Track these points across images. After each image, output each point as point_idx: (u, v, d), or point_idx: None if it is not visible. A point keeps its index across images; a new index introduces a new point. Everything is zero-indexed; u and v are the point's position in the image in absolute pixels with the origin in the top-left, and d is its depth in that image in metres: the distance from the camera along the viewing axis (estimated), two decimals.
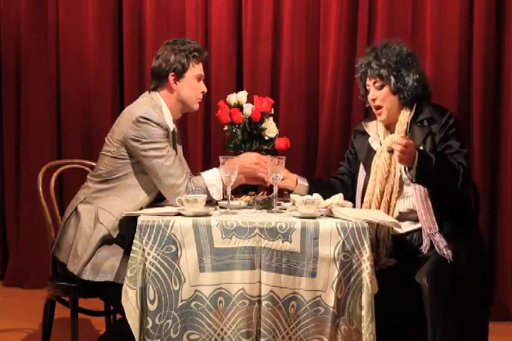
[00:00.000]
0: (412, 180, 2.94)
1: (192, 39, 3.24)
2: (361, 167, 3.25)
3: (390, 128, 3.20)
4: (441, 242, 2.98)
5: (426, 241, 3.02)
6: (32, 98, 4.92)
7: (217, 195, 3.01)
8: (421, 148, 3.04)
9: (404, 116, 3.13)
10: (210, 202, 3.00)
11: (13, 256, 5.01)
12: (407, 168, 2.92)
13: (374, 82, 3.15)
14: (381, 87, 3.14)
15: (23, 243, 4.96)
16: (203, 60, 3.17)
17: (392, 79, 3.11)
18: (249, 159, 3.09)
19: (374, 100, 3.16)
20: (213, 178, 3.01)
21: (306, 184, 3.20)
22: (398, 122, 3.14)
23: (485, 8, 4.31)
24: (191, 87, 3.14)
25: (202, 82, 3.19)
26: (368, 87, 3.20)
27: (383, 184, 3.11)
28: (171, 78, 3.10)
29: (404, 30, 4.39)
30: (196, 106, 3.21)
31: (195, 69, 3.14)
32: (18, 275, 4.94)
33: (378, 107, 3.16)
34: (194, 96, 3.16)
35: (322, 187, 3.22)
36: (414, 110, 3.13)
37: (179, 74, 3.11)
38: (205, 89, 3.21)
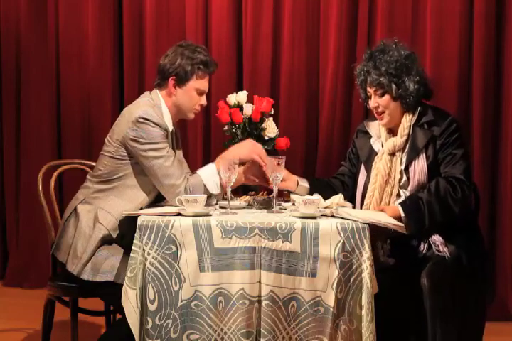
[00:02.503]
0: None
1: (205, 49, 3.14)
2: (362, 167, 3.24)
3: (392, 130, 3.17)
4: (437, 240, 2.97)
5: (424, 241, 3.01)
6: (32, 98, 4.92)
7: (215, 189, 2.98)
8: (423, 152, 3.04)
9: (407, 120, 3.10)
10: (210, 197, 2.99)
11: (13, 256, 5.01)
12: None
13: (375, 90, 3.11)
14: (382, 95, 3.10)
15: (23, 243, 4.96)
16: (209, 74, 3.12)
17: (393, 86, 3.07)
18: (252, 144, 3.05)
19: (376, 107, 3.12)
20: (209, 172, 2.99)
21: (307, 185, 3.18)
22: (401, 125, 3.11)
23: (485, 7, 4.31)
24: (189, 96, 3.10)
25: (203, 96, 3.13)
26: (368, 94, 3.16)
27: (383, 187, 3.10)
28: (170, 81, 3.08)
29: (404, 30, 4.38)
30: (191, 116, 3.17)
31: (198, 83, 3.09)
32: (18, 275, 4.94)
33: (381, 112, 3.13)
34: (191, 107, 3.12)
35: (322, 187, 3.20)
36: (417, 114, 3.10)
37: (179, 80, 3.07)
38: (204, 103, 3.15)
